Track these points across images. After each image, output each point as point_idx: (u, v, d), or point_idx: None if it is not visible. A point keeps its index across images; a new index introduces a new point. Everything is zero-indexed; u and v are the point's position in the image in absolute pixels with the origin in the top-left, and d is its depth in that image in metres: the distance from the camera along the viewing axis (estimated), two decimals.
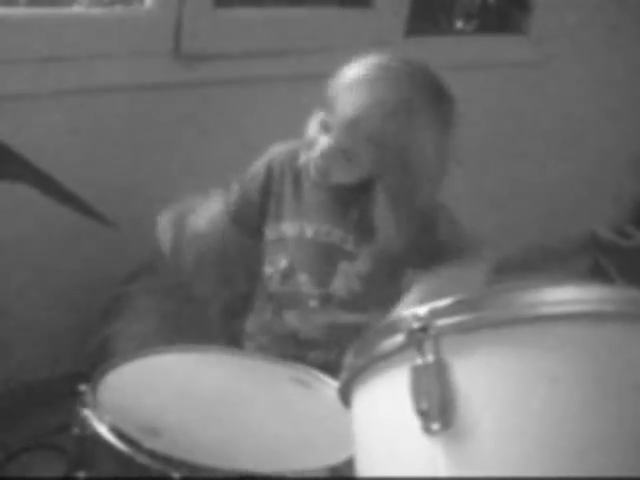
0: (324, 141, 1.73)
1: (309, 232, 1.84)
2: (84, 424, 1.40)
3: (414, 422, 1.03)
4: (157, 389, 1.54)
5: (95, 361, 2.12)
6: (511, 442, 0.99)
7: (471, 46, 3.28)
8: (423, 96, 1.70)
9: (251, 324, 1.94)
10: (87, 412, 1.40)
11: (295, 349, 1.83)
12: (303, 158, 1.82)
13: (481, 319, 1.02)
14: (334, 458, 1.34)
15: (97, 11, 2.42)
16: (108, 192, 2.18)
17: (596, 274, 3.71)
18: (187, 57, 2.43)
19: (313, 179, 1.80)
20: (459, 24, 3.60)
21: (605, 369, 1.02)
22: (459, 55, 3.12)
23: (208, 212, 1.92)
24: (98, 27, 2.30)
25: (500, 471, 0.98)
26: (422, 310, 1.05)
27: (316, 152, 1.74)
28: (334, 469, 1.32)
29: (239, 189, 1.94)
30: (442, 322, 1.03)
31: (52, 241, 2.33)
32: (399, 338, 1.06)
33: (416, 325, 1.04)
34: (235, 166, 2.62)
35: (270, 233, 1.89)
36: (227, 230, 1.93)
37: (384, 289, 1.81)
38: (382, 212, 1.75)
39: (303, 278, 1.84)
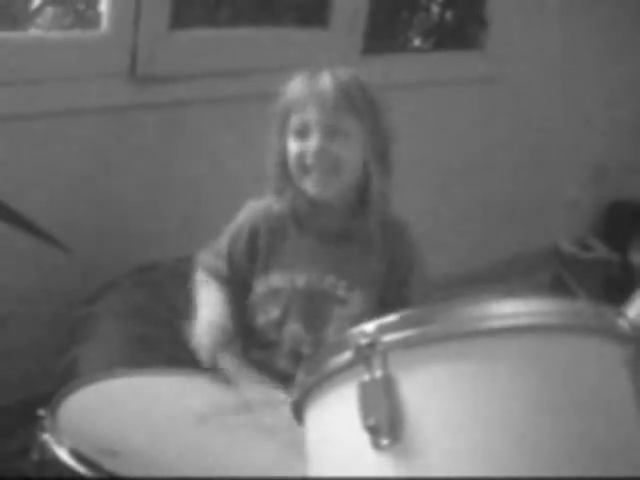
0: (313, 140, 1.78)
1: (300, 282, 1.85)
2: (43, 449, 1.39)
3: (364, 438, 1.03)
4: (116, 411, 1.53)
5: (60, 384, 2.12)
6: (459, 457, 1.00)
7: (428, 63, 3.31)
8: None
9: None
10: (46, 436, 1.39)
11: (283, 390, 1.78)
12: (281, 208, 1.86)
13: (427, 334, 1.03)
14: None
15: (53, 34, 2.42)
16: (66, 215, 2.18)
17: (558, 287, 3.73)
18: (144, 79, 2.43)
19: (319, 184, 1.81)
20: (417, 42, 3.63)
21: (552, 383, 1.03)
22: (416, 72, 3.15)
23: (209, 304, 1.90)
24: (54, 50, 2.30)
25: None
26: (369, 327, 1.06)
27: (312, 151, 1.78)
28: None
29: (225, 253, 1.94)
30: (389, 338, 1.04)
31: (11, 260, 2.31)
32: (347, 355, 1.07)
33: (364, 341, 1.04)
34: (192, 184, 2.63)
35: (260, 286, 1.89)
36: (226, 295, 1.92)
37: None
38: (376, 176, 1.82)
39: (296, 327, 1.84)
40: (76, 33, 2.43)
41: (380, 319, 1.06)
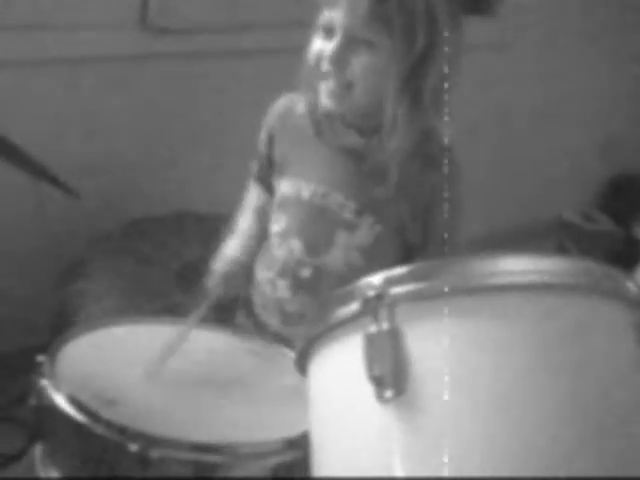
0: (333, 43, 1.58)
1: (305, 193, 1.72)
2: (41, 395, 1.39)
3: (368, 390, 1.02)
4: (115, 360, 1.53)
5: (54, 324, 2.14)
6: (463, 410, 1.00)
7: None
8: None
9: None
10: (44, 382, 1.39)
11: (280, 320, 1.77)
12: (301, 107, 1.73)
13: (435, 287, 1.02)
14: (291, 431, 1.34)
15: None
16: (72, 162, 2.17)
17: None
18: (154, 29, 2.42)
19: (334, 97, 1.63)
20: None
21: (558, 341, 1.03)
22: None
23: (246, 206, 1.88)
24: None
25: (452, 439, 0.99)
26: (377, 278, 1.04)
27: (328, 55, 1.59)
28: (290, 441, 1.32)
29: (258, 150, 1.84)
30: (397, 290, 1.03)
31: (14, 206, 2.30)
32: (354, 306, 1.05)
33: (371, 293, 1.03)
34: (204, 138, 2.63)
35: (277, 192, 1.78)
36: (256, 199, 1.87)
37: (386, 264, 1.64)
38: (392, 99, 1.60)
39: (296, 244, 1.73)
40: None
41: (388, 271, 1.05)
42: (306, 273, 1.72)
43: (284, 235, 1.75)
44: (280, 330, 1.77)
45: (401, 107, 1.60)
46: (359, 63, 1.58)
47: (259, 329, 1.81)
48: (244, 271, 1.83)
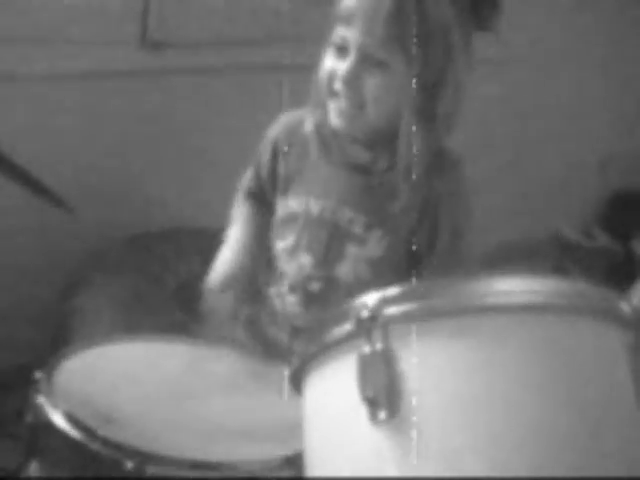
0: (347, 62, 1.57)
1: (315, 209, 1.71)
2: (38, 411, 1.39)
3: (361, 411, 1.03)
4: (112, 377, 1.53)
5: (52, 340, 2.14)
6: (456, 432, 1.00)
7: None
8: None
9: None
10: (41, 399, 1.39)
11: (290, 335, 1.76)
12: (309, 125, 1.72)
13: (429, 308, 1.03)
14: (289, 448, 1.34)
15: None
16: (71, 177, 2.17)
17: (559, 274, 3.72)
18: (154, 45, 2.42)
19: (346, 117, 1.62)
20: None
21: (550, 362, 1.03)
22: None
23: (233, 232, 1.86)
24: (65, 12, 2.29)
25: (445, 462, 0.99)
26: (371, 299, 1.04)
27: (342, 75, 1.57)
28: (287, 460, 1.32)
29: (253, 166, 1.84)
30: (391, 310, 1.03)
31: (13, 220, 2.30)
32: (348, 326, 1.06)
33: (365, 314, 1.03)
34: (203, 153, 2.63)
35: (280, 209, 1.77)
36: (249, 214, 1.86)
37: (396, 278, 1.63)
38: (406, 122, 1.60)
39: (306, 259, 1.72)
40: None
41: (383, 290, 1.05)
42: (316, 287, 1.72)
43: (292, 251, 1.74)
44: (290, 345, 1.75)
45: (415, 128, 1.60)
46: (373, 84, 1.58)
47: (267, 347, 1.79)
48: (240, 286, 1.82)
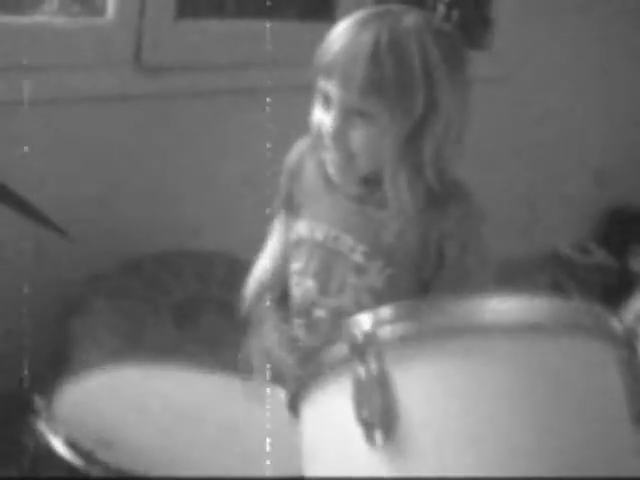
0: (331, 117, 1.58)
1: (319, 234, 1.71)
2: (38, 436, 1.39)
3: (358, 433, 1.03)
4: (112, 403, 1.53)
5: (52, 364, 2.14)
6: (452, 454, 1.00)
7: None
8: (426, 39, 1.57)
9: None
10: (41, 424, 1.39)
11: (295, 359, 1.73)
12: (312, 161, 1.73)
13: (423, 330, 1.03)
14: (287, 471, 1.34)
15: (59, 21, 2.41)
16: (68, 201, 2.17)
17: (556, 291, 3.72)
18: (148, 68, 2.43)
19: (337, 168, 1.64)
20: None
21: (545, 382, 1.04)
22: None
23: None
24: (59, 37, 2.30)
25: None
26: (365, 321, 1.05)
27: (327, 130, 1.58)
28: None
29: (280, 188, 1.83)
30: (385, 333, 1.04)
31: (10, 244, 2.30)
32: (343, 349, 1.06)
33: (359, 336, 1.04)
34: (199, 176, 2.63)
35: (294, 231, 1.77)
36: (284, 222, 1.83)
37: None
38: (391, 169, 1.59)
39: (310, 284, 1.72)
40: (82, 20, 2.43)
41: (376, 312, 1.06)
42: (320, 313, 1.72)
43: (301, 274, 1.75)
44: (296, 369, 1.74)
45: (401, 171, 1.59)
46: (359, 136, 1.58)
47: (275, 374, 1.75)
48: (274, 293, 1.82)
